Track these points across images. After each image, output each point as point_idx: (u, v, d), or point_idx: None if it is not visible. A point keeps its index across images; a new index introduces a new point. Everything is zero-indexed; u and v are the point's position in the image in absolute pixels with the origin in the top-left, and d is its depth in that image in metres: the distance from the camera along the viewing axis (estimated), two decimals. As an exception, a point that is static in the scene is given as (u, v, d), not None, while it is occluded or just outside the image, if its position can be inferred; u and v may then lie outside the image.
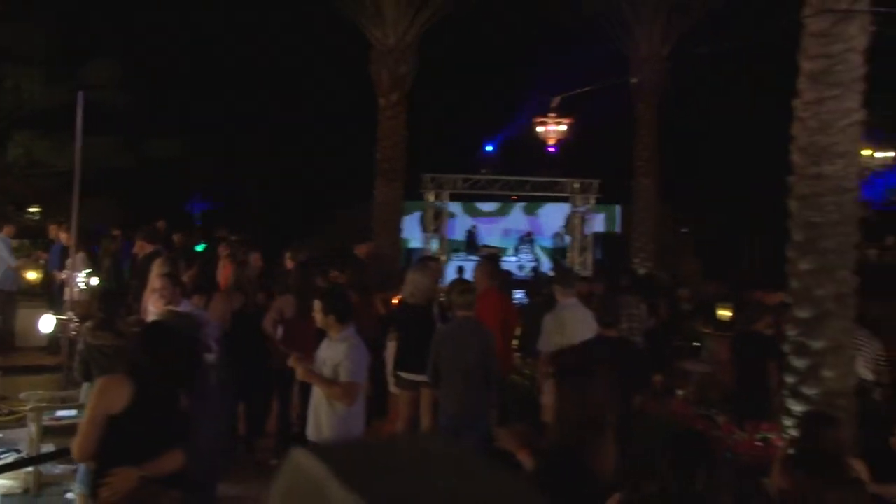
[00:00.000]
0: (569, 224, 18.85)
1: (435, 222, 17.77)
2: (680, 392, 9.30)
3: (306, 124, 22.71)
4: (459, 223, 21.83)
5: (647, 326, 11.00)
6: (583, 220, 17.86)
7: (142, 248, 11.06)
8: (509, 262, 19.63)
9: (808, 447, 4.96)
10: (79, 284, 11.23)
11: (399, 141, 15.45)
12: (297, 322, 8.07)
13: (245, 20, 20.01)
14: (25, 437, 7.59)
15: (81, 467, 5.49)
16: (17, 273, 12.91)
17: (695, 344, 13.44)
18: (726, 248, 22.32)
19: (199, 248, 14.24)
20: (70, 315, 9.60)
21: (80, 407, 6.75)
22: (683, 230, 24.46)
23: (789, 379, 7.22)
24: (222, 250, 10.59)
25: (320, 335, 6.18)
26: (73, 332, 8.86)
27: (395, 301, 9.32)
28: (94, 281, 12.24)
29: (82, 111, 9.83)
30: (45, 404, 7.56)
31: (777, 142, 7.66)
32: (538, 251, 21.35)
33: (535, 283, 14.40)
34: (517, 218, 22.07)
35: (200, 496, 5.82)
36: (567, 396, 3.58)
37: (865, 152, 18.80)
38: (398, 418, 8.11)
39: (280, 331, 8.27)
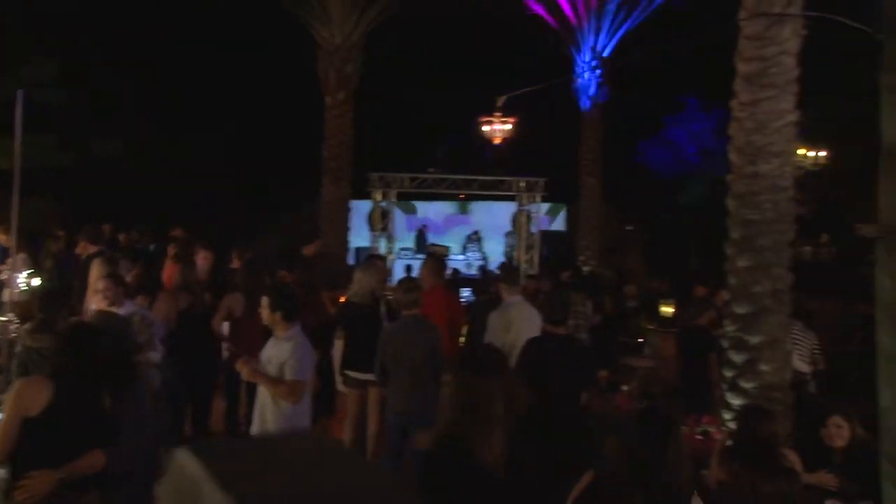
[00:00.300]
0: (515, 222, 18.97)
1: (382, 221, 17.75)
2: (624, 388, 9.45)
3: (254, 123, 22.52)
4: (410, 222, 21.89)
5: (592, 323, 11.16)
6: (529, 219, 17.98)
7: (84, 248, 10.88)
8: (457, 261, 19.72)
9: (745, 440, 5.10)
10: (19, 285, 11.01)
11: (345, 140, 15.44)
12: (245, 321, 8.03)
13: (191, 19, 19.77)
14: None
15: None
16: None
17: (639, 340, 13.64)
18: (671, 245, 22.65)
19: (151, 247, 14.05)
20: (10, 316, 9.42)
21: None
22: (628, 228, 24.76)
23: (728, 373, 7.39)
24: (169, 250, 10.48)
25: (268, 334, 6.17)
26: (13, 334, 8.69)
27: (342, 300, 9.33)
28: (36, 282, 12.01)
29: (22, 109, 9.65)
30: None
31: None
32: (486, 249, 21.47)
33: (482, 281, 14.48)
34: (468, 216, 22.23)
35: (141, 495, 5.75)
36: (455, 388, 3.69)
37: (800, 152, 19.22)
38: (346, 417, 8.12)
39: (226, 328, 8.23)
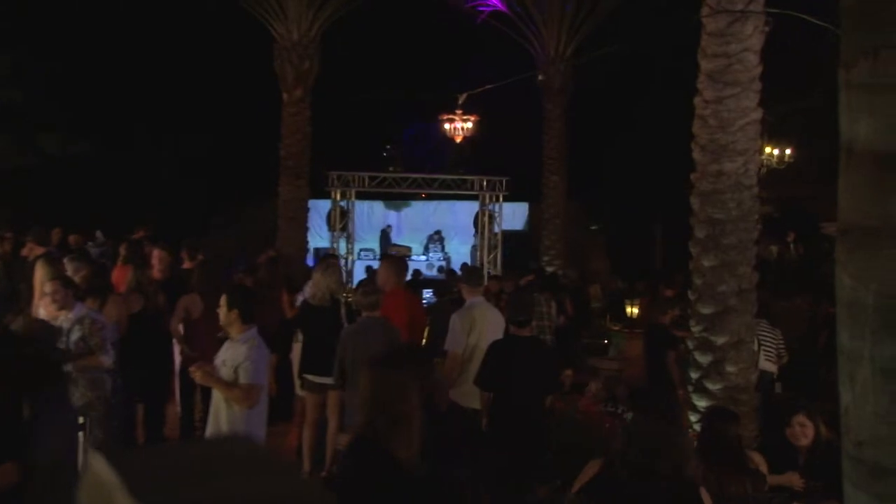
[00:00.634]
0: (477, 222, 18.99)
1: (342, 220, 17.69)
2: (589, 389, 9.50)
3: (210, 121, 22.30)
4: (374, 222, 21.87)
5: (556, 325, 11.21)
6: (491, 218, 18.00)
7: (31, 250, 10.73)
8: (418, 262, 19.71)
9: (710, 441, 5.15)
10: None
11: (303, 138, 15.38)
12: (201, 323, 7.94)
13: (147, 13, 19.54)
14: None
15: None
16: None
17: (605, 341, 13.74)
18: (636, 245, 22.79)
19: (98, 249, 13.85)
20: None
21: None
22: (592, 228, 24.87)
23: (693, 374, 7.46)
24: (120, 250, 10.34)
25: (225, 337, 6.11)
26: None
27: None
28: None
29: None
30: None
31: (683, 140, 7.89)
32: (448, 250, 21.48)
33: (445, 282, 14.48)
34: (431, 215, 22.27)
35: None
36: (367, 386, 3.76)
37: (767, 150, 19.44)
38: (304, 421, 8.07)
39: (181, 329, 8.15)
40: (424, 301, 12.15)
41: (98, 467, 0.88)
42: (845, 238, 2.56)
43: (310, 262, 16.00)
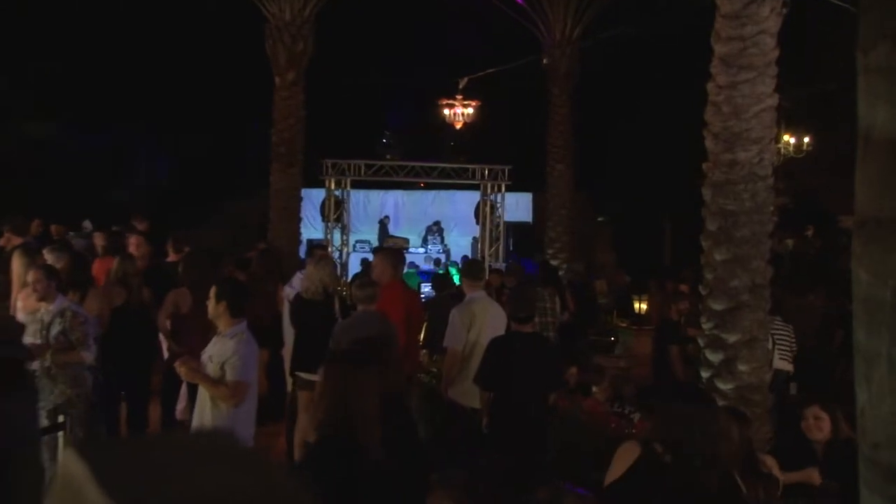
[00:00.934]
0: (478, 213, 18.97)
1: (336, 211, 17.67)
2: (595, 389, 9.50)
3: (199, 104, 22.24)
4: (371, 212, 21.88)
5: (560, 321, 11.21)
6: (493, 209, 17.98)
7: (9, 240, 10.73)
8: (416, 254, 19.71)
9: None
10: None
11: (296, 123, 15.29)
12: (190, 318, 7.92)
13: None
14: None
15: None
16: None
17: (612, 339, 13.75)
18: (644, 238, 22.73)
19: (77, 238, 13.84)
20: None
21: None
22: (600, 219, 24.83)
23: (704, 373, 7.44)
24: (96, 240, 10.31)
25: (213, 333, 6.10)
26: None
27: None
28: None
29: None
30: None
31: (695, 128, 7.87)
32: (448, 241, 21.48)
33: (444, 276, 14.47)
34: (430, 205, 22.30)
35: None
36: (325, 380, 3.94)
37: (784, 138, 19.42)
38: (297, 420, 8.05)
39: (168, 324, 8.15)
40: (423, 295, 12.16)
41: (68, 460, 0.88)
42: (862, 231, 2.54)
43: (302, 254, 16.00)
